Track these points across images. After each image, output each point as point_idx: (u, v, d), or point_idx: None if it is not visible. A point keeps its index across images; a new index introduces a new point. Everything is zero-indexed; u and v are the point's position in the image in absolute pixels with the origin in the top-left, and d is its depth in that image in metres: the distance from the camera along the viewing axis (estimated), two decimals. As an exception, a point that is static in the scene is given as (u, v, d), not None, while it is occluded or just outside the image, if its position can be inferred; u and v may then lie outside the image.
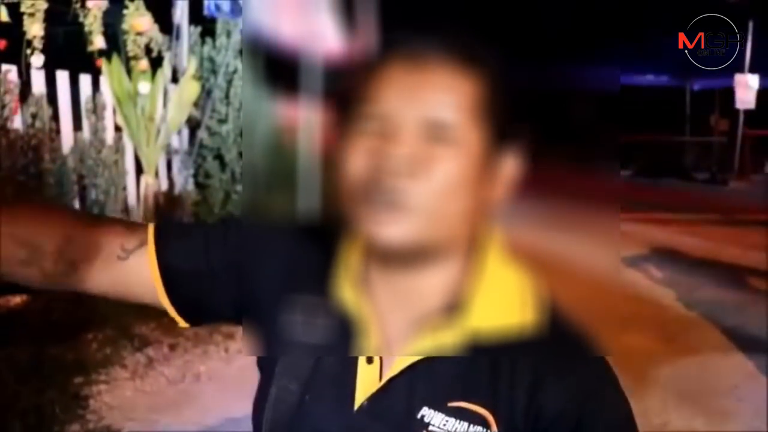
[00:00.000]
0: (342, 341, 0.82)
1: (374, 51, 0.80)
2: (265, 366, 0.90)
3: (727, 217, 7.84)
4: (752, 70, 8.36)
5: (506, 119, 0.79)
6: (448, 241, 0.78)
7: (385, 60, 0.78)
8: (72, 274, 0.86)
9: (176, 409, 2.93)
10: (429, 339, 0.80)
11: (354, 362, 0.84)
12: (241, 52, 5.49)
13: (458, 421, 0.80)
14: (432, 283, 0.80)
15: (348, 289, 0.83)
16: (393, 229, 0.75)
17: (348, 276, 0.84)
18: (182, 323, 0.93)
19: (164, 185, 5.34)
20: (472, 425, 0.80)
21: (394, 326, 0.82)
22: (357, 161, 0.76)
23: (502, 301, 0.81)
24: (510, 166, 0.80)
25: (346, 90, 0.80)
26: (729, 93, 9.33)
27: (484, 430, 0.80)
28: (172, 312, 0.90)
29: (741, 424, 2.86)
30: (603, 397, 0.83)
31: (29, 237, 0.84)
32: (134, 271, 0.87)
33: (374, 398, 0.82)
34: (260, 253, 0.88)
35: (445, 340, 0.79)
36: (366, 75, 0.78)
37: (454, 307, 0.80)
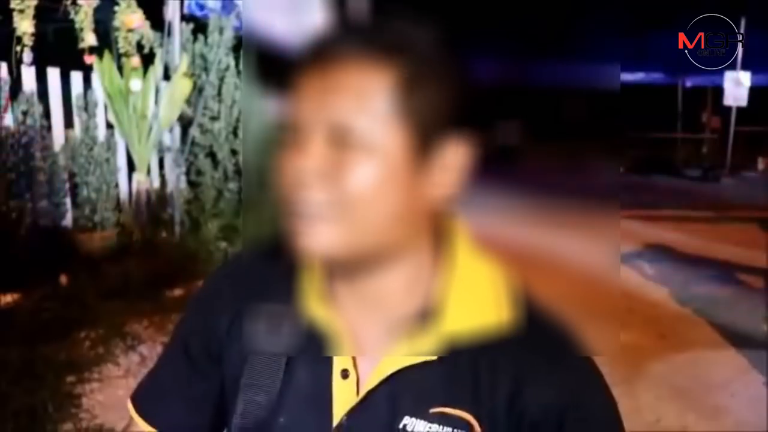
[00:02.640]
0: (315, 357, 0.81)
1: (299, 55, 0.75)
2: (230, 383, 0.88)
3: (720, 213, 7.87)
4: (744, 67, 8.39)
5: (438, 110, 0.73)
6: (390, 244, 0.75)
7: (304, 63, 0.73)
8: None
9: (169, 407, 2.91)
10: (405, 347, 0.77)
11: (328, 379, 0.81)
12: (233, 48, 5.47)
13: (441, 426, 0.78)
14: (395, 286, 0.78)
15: (315, 304, 0.81)
16: (314, 240, 0.72)
17: (313, 289, 0.81)
18: None
19: (156, 183, 5.32)
20: (455, 430, 0.78)
21: (367, 336, 0.80)
22: (280, 176, 0.74)
23: (476, 301, 0.78)
24: (454, 156, 0.74)
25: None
26: (721, 90, 9.35)
27: None
28: None
29: (734, 419, 2.87)
30: (586, 395, 0.81)
31: None
32: None
33: (353, 414, 0.80)
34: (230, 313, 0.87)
35: (422, 347, 0.77)
36: (292, 82, 0.74)
37: (427, 311, 0.78)
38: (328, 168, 0.71)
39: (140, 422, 0.94)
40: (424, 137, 0.73)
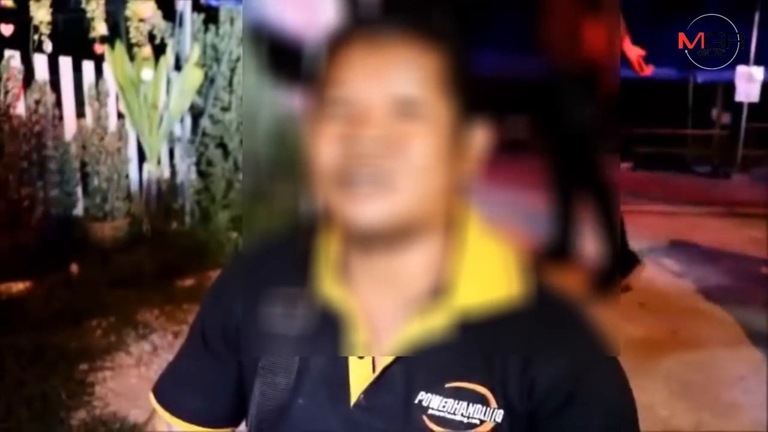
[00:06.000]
0: (330, 338, 0.81)
1: (334, 33, 0.79)
2: (248, 369, 0.88)
3: (732, 209, 7.83)
4: (757, 63, 8.31)
5: (472, 92, 0.78)
6: (427, 219, 0.77)
7: (345, 41, 0.76)
8: None
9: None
10: (418, 324, 0.79)
11: (344, 357, 0.82)
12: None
13: (457, 401, 0.80)
14: (415, 265, 0.79)
15: (330, 283, 0.82)
16: (375, 208, 0.73)
17: (328, 269, 0.82)
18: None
19: (166, 173, 5.32)
20: (471, 404, 0.79)
21: (381, 315, 0.80)
22: (328, 148, 0.75)
23: (487, 276, 0.80)
24: (479, 139, 0.80)
25: (313, 74, 0.79)
26: (732, 86, 9.28)
27: (484, 407, 0.79)
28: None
29: (748, 416, 2.86)
30: (596, 367, 0.81)
31: None
32: None
33: (370, 391, 0.81)
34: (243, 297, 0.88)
35: (435, 323, 0.78)
36: (328, 57, 0.77)
37: (439, 288, 0.79)
38: (394, 137, 0.74)
39: (162, 413, 0.94)
40: (464, 115, 0.78)
